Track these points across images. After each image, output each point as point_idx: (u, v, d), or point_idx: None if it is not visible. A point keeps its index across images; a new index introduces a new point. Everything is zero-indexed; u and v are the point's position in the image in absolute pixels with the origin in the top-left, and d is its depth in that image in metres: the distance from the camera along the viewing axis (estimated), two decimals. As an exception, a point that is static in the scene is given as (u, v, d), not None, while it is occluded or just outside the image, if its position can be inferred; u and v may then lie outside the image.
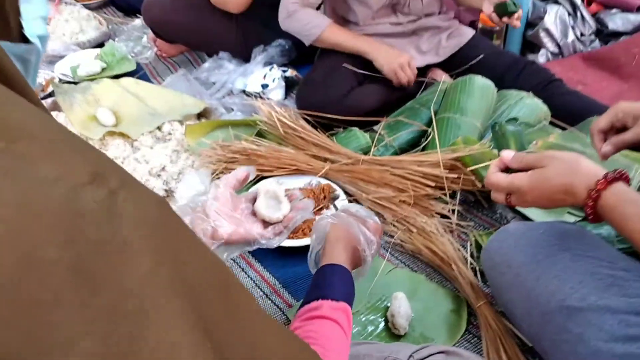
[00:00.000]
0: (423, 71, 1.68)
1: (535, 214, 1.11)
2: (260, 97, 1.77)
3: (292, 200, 0.80)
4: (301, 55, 1.91)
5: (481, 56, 1.60)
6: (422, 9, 1.64)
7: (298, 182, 1.30)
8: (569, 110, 1.45)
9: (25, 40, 0.40)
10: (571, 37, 2.01)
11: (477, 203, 1.27)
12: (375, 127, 1.50)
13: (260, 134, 1.44)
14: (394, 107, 1.57)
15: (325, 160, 1.35)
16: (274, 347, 0.36)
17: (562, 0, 2.05)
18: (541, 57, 2.00)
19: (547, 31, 1.99)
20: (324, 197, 1.25)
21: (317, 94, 1.51)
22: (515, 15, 1.46)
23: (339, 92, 1.50)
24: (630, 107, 0.83)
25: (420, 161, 1.26)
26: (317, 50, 1.74)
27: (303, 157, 1.33)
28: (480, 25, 1.96)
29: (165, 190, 1.35)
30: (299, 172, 1.33)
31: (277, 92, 1.78)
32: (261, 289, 1.12)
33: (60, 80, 1.85)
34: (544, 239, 0.89)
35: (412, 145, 1.43)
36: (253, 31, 1.86)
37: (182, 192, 1.27)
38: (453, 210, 1.21)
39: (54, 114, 1.58)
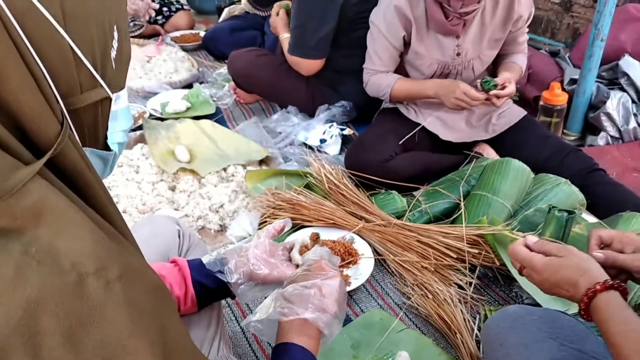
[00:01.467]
0: (470, 145, 1.79)
1: (542, 299, 1.18)
2: (318, 151, 1.96)
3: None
4: (361, 116, 2.09)
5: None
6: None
7: (332, 235, 1.45)
8: (606, 202, 1.51)
9: (107, 147, 0.55)
10: (633, 124, 2.04)
11: (495, 279, 1.35)
12: (414, 193, 1.63)
13: (308, 186, 1.61)
14: (437, 175, 1.69)
15: (360, 218, 1.49)
16: None
17: (627, 87, 2.08)
18: (601, 140, 2.04)
19: (609, 115, 2.03)
20: (349, 254, 1.38)
21: (364, 155, 1.66)
22: (493, 91, 1.60)
23: (384, 156, 1.64)
24: (632, 239, 0.90)
25: (446, 233, 1.36)
26: (375, 114, 1.91)
27: (341, 213, 1.48)
28: (541, 102, 2.05)
29: (220, 225, 1.55)
30: (335, 225, 1.47)
31: (333, 148, 1.96)
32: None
33: (150, 115, 2.14)
34: (537, 325, 0.97)
35: (446, 214, 1.54)
36: (320, 91, 2.07)
37: (233, 229, 1.45)
38: (470, 283, 1.30)
39: (139, 145, 1.84)
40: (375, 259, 1.41)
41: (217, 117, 2.19)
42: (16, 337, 0.36)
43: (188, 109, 2.19)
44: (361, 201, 1.51)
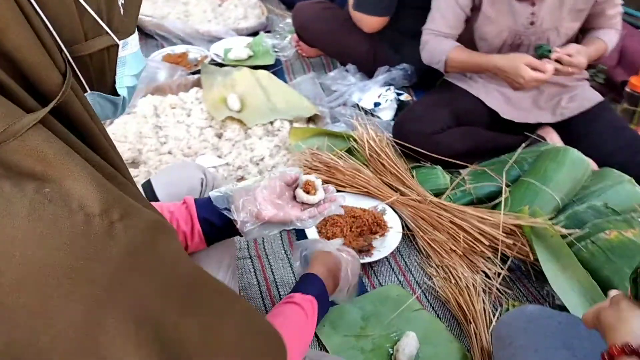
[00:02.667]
0: (534, 127, 1.66)
1: (571, 304, 1.09)
2: (371, 114, 1.90)
3: (327, 192, 0.91)
4: (422, 82, 1.99)
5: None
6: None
7: (365, 203, 1.42)
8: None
9: (116, 91, 0.56)
10: None
11: (527, 274, 1.27)
12: (461, 171, 1.55)
13: (350, 151, 1.58)
14: (490, 155, 1.59)
15: (396, 190, 1.44)
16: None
17: None
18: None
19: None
20: (377, 225, 1.35)
21: (412, 125, 1.59)
22: (552, 56, 1.47)
23: (434, 128, 1.56)
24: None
25: (482, 218, 1.29)
26: (438, 82, 1.81)
27: (377, 182, 1.44)
28: (627, 88, 1.85)
29: (258, 177, 1.56)
30: (369, 194, 1.44)
31: (387, 113, 1.89)
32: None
33: (212, 60, 2.16)
34: (553, 330, 0.91)
35: (491, 198, 1.45)
36: (382, 51, 1.98)
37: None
38: (499, 274, 1.24)
39: (195, 89, 1.87)
40: (403, 234, 1.36)
41: (276, 68, 2.17)
42: (29, 269, 0.39)
43: (250, 57, 2.19)
44: (400, 172, 1.45)
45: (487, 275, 1.24)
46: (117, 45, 0.52)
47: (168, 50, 2.22)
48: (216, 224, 0.88)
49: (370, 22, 1.85)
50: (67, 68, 0.45)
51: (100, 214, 0.42)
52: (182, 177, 1.06)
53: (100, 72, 0.52)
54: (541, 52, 1.49)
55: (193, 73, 1.99)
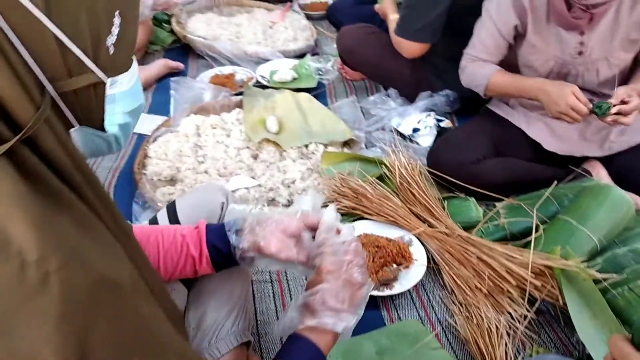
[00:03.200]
0: (579, 160, 1.58)
1: (598, 355, 1.02)
2: (410, 140, 1.88)
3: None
4: (464, 109, 1.95)
5: None
6: (597, 85, 1.52)
7: (391, 233, 1.39)
8: None
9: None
10: None
11: (557, 319, 1.20)
12: (496, 203, 1.49)
13: (381, 177, 1.56)
14: (529, 188, 1.52)
15: (424, 221, 1.40)
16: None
17: None
18: None
19: None
20: (402, 256, 1.32)
21: (448, 153, 1.55)
22: (611, 115, 1.35)
23: (470, 158, 1.52)
24: None
25: (511, 256, 1.23)
26: (481, 109, 1.76)
27: (404, 212, 1.41)
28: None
29: (288, 201, 1.57)
30: (396, 224, 1.41)
31: (426, 139, 1.86)
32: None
33: (257, 81, 2.21)
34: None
35: (526, 234, 1.38)
36: (424, 77, 1.96)
37: (294, 207, 1.47)
38: (525, 316, 1.17)
39: (236, 110, 1.92)
40: (429, 267, 1.33)
41: (319, 91, 2.20)
42: None
43: (294, 79, 2.23)
44: (430, 203, 1.42)
45: (512, 317, 1.18)
46: (104, 83, 0.53)
47: (217, 70, 2.29)
48: (223, 251, 0.88)
49: (410, 48, 1.84)
50: (44, 103, 0.47)
51: (36, 262, 0.41)
52: (204, 200, 1.09)
53: (88, 108, 0.54)
54: (603, 112, 1.36)
55: (237, 94, 2.05)
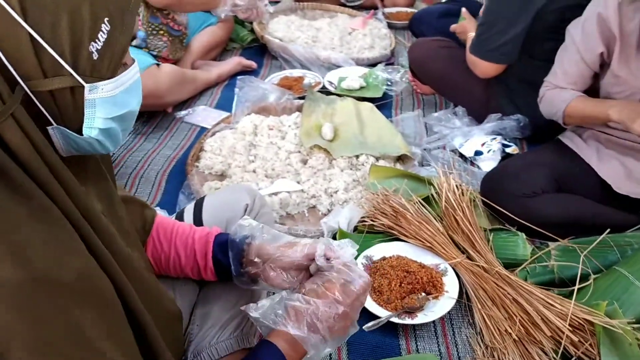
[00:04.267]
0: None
1: None
2: (471, 163, 1.78)
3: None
4: (536, 137, 1.81)
5: None
6: None
7: (427, 259, 1.32)
8: None
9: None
10: None
11: (593, 382, 1.07)
12: (550, 243, 1.36)
13: (429, 199, 1.48)
14: (590, 231, 1.37)
15: (463, 251, 1.31)
16: None
17: None
18: None
19: None
20: (433, 285, 1.24)
21: (502, 183, 1.44)
22: None
23: (526, 190, 1.40)
24: None
25: (550, 304, 1.12)
26: (552, 138, 1.62)
27: (443, 239, 1.33)
28: None
29: (328, 210, 1.54)
30: (431, 249, 1.33)
31: (488, 164, 1.75)
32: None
33: (323, 87, 2.20)
34: None
35: (575, 281, 1.25)
36: (496, 98, 1.84)
37: (329, 218, 1.44)
38: (556, 373, 1.06)
39: (295, 114, 1.93)
40: (460, 302, 1.24)
41: (386, 101, 2.14)
42: None
43: (361, 88, 2.19)
44: (473, 233, 1.32)
45: (542, 371, 1.07)
46: (83, 87, 0.54)
47: (287, 72, 2.32)
48: (225, 264, 0.88)
49: (484, 68, 1.73)
50: (11, 99, 0.49)
51: None
52: (228, 200, 1.09)
53: (65, 110, 0.54)
54: None
55: (300, 98, 2.05)
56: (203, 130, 1.94)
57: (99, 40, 0.53)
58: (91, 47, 0.53)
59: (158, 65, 1.97)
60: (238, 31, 2.62)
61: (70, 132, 0.56)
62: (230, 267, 0.88)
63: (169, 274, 0.95)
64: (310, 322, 0.73)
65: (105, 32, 0.54)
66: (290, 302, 0.75)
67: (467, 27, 1.90)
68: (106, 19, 0.53)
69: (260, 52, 2.56)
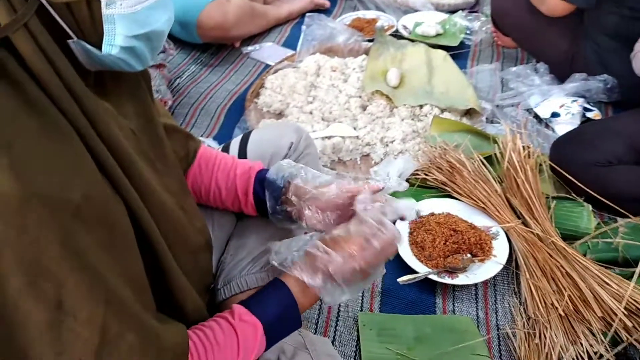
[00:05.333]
0: None
1: None
2: (546, 125, 1.63)
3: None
4: (625, 103, 1.62)
5: None
6: None
7: (478, 220, 1.24)
8: None
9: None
10: None
11: (644, 371, 0.98)
12: (619, 219, 1.24)
13: (490, 159, 1.38)
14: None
15: (520, 217, 1.22)
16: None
17: None
18: None
19: None
20: (480, 248, 1.17)
21: (572, 148, 1.31)
22: None
23: (598, 158, 1.27)
24: None
25: (606, 282, 1.02)
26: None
27: (498, 201, 1.24)
28: None
29: (381, 159, 1.48)
30: (485, 211, 1.25)
31: (564, 127, 1.59)
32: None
33: (397, 30, 2.08)
34: None
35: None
36: (582, 56, 1.66)
37: (379, 168, 1.39)
38: (601, 356, 0.98)
39: (362, 57, 1.84)
40: (507, 268, 1.17)
41: (462, 50, 2.00)
42: None
43: (437, 35, 2.05)
44: (532, 198, 1.22)
45: (584, 351, 0.99)
46: (99, 1, 0.51)
47: (360, 14, 2.21)
48: (263, 199, 0.87)
49: (554, 5, 1.54)
50: (24, 9, 0.47)
51: None
52: (273, 136, 1.07)
53: (84, 24, 0.52)
54: None
55: (369, 40, 1.96)
56: (267, 67, 1.92)
57: None
58: None
59: (227, -2, 1.94)
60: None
61: (91, 47, 0.54)
62: (267, 203, 0.86)
63: (209, 204, 0.95)
64: (325, 271, 0.71)
65: None
66: (309, 248, 0.73)
67: None
68: None
69: (336, -9, 2.46)
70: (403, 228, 1.23)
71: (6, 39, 0.47)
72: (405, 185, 1.34)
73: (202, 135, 1.61)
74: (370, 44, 1.89)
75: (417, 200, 1.31)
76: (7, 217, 0.45)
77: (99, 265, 0.51)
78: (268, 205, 0.86)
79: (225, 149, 1.06)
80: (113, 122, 0.60)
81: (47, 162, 0.48)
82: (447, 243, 1.19)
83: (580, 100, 1.62)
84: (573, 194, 1.30)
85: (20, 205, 0.45)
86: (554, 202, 1.27)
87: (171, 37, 1.96)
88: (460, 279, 1.14)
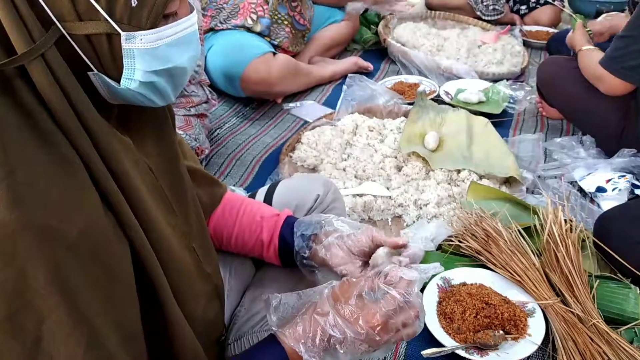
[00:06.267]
0: None
1: None
2: (591, 200, 1.55)
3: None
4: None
5: None
6: None
7: (511, 294, 1.16)
8: None
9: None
10: None
11: None
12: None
13: (529, 230, 1.31)
14: None
15: (559, 294, 1.13)
16: None
17: None
18: None
19: None
20: (514, 324, 1.08)
21: (620, 224, 1.23)
22: None
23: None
24: None
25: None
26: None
27: (535, 275, 1.16)
28: None
29: (413, 222, 1.43)
30: (521, 284, 1.17)
31: (610, 203, 1.50)
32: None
33: (438, 95, 2.08)
34: None
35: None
36: (633, 131, 1.59)
37: (411, 231, 1.33)
38: None
39: (400, 119, 1.84)
40: (542, 350, 1.07)
41: (505, 119, 1.96)
42: None
43: (480, 102, 2.03)
44: (573, 275, 1.14)
45: None
46: (119, 35, 0.51)
47: (402, 78, 2.23)
48: (290, 246, 0.85)
49: (613, 85, 1.51)
50: (43, 39, 0.47)
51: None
52: (300, 187, 1.06)
53: (104, 57, 0.52)
54: None
55: (410, 104, 1.96)
56: (306, 123, 1.93)
57: None
58: None
59: (274, 54, 2.00)
60: (362, 32, 2.59)
61: (110, 80, 0.54)
62: (294, 247, 0.85)
63: (229, 249, 0.93)
64: (328, 348, 0.64)
65: None
66: (317, 316, 0.66)
67: (575, 39, 1.71)
68: None
69: (380, 55, 2.51)
70: (432, 297, 1.16)
71: (22, 67, 0.48)
72: (432, 245, 1.28)
73: (234, 185, 1.61)
74: (410, 107, 1.89)
75: (449, 268, 1.24)
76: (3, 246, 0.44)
77: (87, 305, 0.48)
78: (295, 244, 0.84)
79: (252, 198, 1.04)
80: (129, 158, 0.59)
81: (48, 193, 0.47)
82: (478, 316, 1.10)
83: (629, 176, 1.54)
84: (619, 274, 1.21)
85: (12, 233, 0.44)
86: (597, 281, 1.17)
87: (215, 89, 2.02)
88: (491, 357, 1.04)
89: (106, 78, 0.54)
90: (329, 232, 0.84)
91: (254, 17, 2.04)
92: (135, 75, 0.54)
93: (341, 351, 0.64)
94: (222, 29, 2.04)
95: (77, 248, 0.47)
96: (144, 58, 0.53)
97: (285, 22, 2.11)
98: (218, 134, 1.89)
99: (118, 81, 0.54)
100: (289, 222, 0.87)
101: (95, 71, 0.53)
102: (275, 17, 2.08)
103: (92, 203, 0.51)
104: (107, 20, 0.50)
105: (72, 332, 0.46)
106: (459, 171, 1.57)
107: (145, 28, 0.52)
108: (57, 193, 0.48)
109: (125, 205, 0.55)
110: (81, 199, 0.50)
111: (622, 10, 2.41)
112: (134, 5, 0.51)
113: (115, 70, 0.54)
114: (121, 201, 0.55)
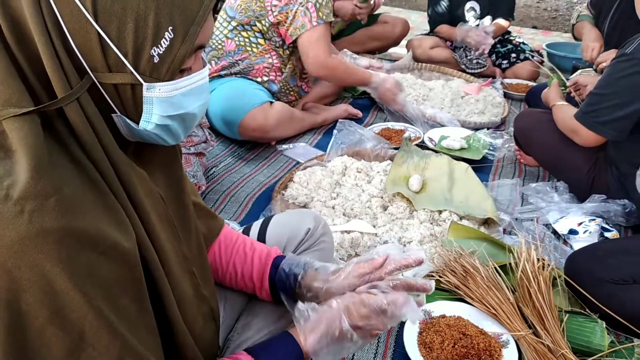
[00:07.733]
0: None
1: None
2: (564, 242, 1.66)
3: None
4: (644, 226, 1.64)
5: None
6: None
7: (486, 326, 1.24)
8: None
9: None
10: None
11: None
12: (635, 340, 1.21)
13: (505, 268, 1.40)
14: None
15: (531, 327, 1.21)
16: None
17: None
18: None
19: None
20: (489, 354, 1.16)
21: (587, 264, 1.32)
22: None
23: (612, 276, 1.27)
24: None
25: (617, 402, 0.98)
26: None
27: (510, 309, 1.24)
28: None
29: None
30: (495, 317, 1.25)
31: (582, 244, 1.60)
32: None
33: (422, 141, 2.21)
34: None
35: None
36: (604, 179, 1.72)
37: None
38: None
39: (386, 162, 1.95)
40: (515, 378, 1.14)
41: (485, 164, 2.09)
42: None
43: (461, 149, 2.16)
44: (544, 309, 1.22)
45: None
46: (141, 85, 0.59)
47: (389, 124, 2.37)
48: (280, 286, 0.93)
49: (587, 138, 1.63)
50: (79, 86, 0.56)
51: (17, 200, 0.50)
52: (292, 220, 1.14)
53: (126, 103, 0.61)
54: None
55: (396, 148, 2.08)
56: (298, 163, 2.04)
57: (161, 46, 0.58)
58: (152, 51, 0.58)
59: (271, 102, 2.13)
60: (352, 82, 2.74)
61: (131, 122, 0.63)
62: (281, 286, 0.92)
63: (224, 284, 1.00)
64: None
65: (168, 39, 0.59)
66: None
67: (549, 95, 1.87)
68: (170, 28, 0.58)
69: (369, 103, 2.66)
70: (413, 327, 1.23)
71: (60, 109, 0.57)
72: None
73: (228, 219, 1.69)
74: (396, 151, 2.01)
75: (430, 302, 1.32)
76: (46, 250, 0.51)
77: (119, 303, 0.57)
78: (285, 302, 0.91)
79: (247, 231, 1.12)
80: (143, 187, 0.67)
81: (87, 207, 0.56)
82: (456, 346, 1.18)
83: (599, 219, 1.65)
84: (587, 310, 1.29)
85: (60, 239, 0.51)
86: (567, 315, 1.26)
87: (214, 130, 2.13)
88: (466, 386, 1.11)
89: (127, 120, 0.63)
90: (309, 282, 0.90)
91: (265, 79, 2.19)
92: (152, 119, 0.63)
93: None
94: (229, 75, 2.18)
95: (110, 255, 0.56)
96: (161, 105, 0.62)
97: (292, 92, 2.28)
98: (214, 171, 1.98)
99: (137, 122, 0.63)
100: (278, 261, 0.95)
101: (119, 113, 0.62)
102: (285, 88, 2.25)
103: (122, 221, 0.59)
104: (132, 73, 0.58)
105: (109, 325, 0.55)
106: (440, 212, 1.67)
107: (164, 80, 0.61)
108: (94, 208, 0.56)
109: (141, 228, 0.64)
110: (110, 216, 0.58)
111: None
112: (156, 61, 0.59)
113: (135, 113, 0.63)
114: (138, 224, 0.63)
